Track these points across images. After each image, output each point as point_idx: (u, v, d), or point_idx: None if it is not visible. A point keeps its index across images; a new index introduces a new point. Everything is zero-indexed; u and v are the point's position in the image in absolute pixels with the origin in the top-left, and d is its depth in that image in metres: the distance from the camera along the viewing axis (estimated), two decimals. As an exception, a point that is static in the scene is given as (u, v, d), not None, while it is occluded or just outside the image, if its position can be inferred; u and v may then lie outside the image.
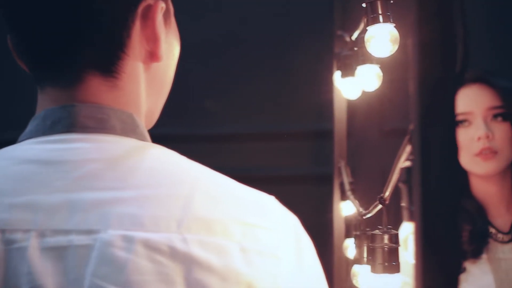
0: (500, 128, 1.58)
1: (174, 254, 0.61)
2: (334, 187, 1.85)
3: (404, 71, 0.59)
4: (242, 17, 2.38)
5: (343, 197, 1.70)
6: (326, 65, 1.91)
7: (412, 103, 0.57)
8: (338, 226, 1.77)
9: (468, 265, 1.57)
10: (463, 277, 1.57)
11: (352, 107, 2.00)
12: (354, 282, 1.19)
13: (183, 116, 2.41)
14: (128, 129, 0.70)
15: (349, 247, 1.49)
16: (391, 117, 2.35)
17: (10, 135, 0.96)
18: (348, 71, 1.44)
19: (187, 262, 0.61)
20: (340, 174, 1.80)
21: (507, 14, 2.31)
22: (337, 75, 1.59)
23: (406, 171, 0.73)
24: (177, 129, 2.41)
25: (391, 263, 0.90)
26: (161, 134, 2.44)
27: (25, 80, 1.00)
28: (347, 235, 1.58)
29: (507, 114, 1.58)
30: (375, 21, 0.99)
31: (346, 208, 1.66)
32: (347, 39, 1.58)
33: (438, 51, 0.55)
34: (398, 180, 0.79)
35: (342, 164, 1.81)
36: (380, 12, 0.98)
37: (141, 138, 0.71)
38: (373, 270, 0.92)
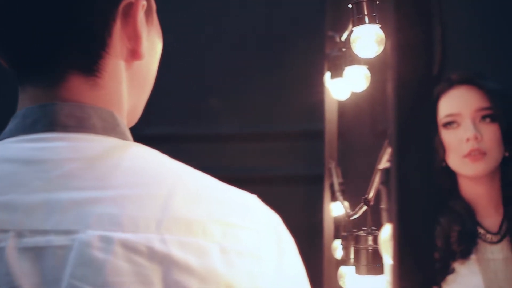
0: (488, 130, 1.58)
1: (153, 254, 0.60)
2: (324, 187, 1.84)
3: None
4: (234, 18, 2.38)
5: (333, 198, 1.70)
6: (317, 66, 1.91)
7: (390, 104, 0.56)
8: (328, 227, 1.77)
9: (457, 265, 1.58)
10: (452, 278, 1.57)
11: (344, 108, 2.00)
12: (341, 283, 1.19)
13: (175, 117, 2.40)
14: (109, 128, 0.69)
15: (338, 248, 1.49)
16: (383, 118, 2.36)
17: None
18: (337, 71, 1.44)
19: (166, 263, 0.60)
20: (330, 175, 1.79)
21: (497, 17, 2.31)
22: (327, 76, 1.59)
23: (386, 172, 0.73)
24: (168, 129, 2.41)
25: (375, 264, 0.90)
26: (152, 134, 2.45)
27: (6, 79, 1.00)
28: (336, 236, 1.58)
29: (495, 115, 1.58)
30: (361, 22, 0.99)
31: (335, 209, 1.66)
32: (338, 39, 1.59)
33: (416, 53, 0.55)
34: (379, 182, 0.79)
35: (332, 164, 1.81)
36: (366, 13, 0.98)
37: (122, 137, 0.70)
38: (357, 271, 0.92)
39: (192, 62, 2.38)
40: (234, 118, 2.38)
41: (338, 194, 1.54)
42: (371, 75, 1.22)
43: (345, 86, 1.40)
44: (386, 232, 0.73)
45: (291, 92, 2.32)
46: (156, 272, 0.60)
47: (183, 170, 0.68)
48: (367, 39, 0.98)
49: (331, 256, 1.64)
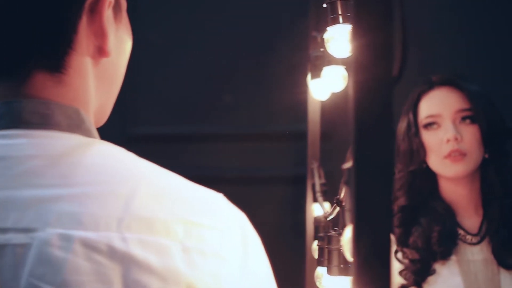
0: (468, 131, 1.59)
1: (113, 253, 0.60)
2: (307, 188, 1.84)
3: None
4: (220, 19, 2.38)
5: (315, 198, 1.69)
6: (301, 66, 1.91)
7: (350, 105, 0.56)
8: (310, 227, 1.77)
9: (437, 266, 1.58)
10: (432, 279, 1.57)
11: (329, 108, 1.99)
12: (318, 284, 1.19)
13: (162, 116, 2.40)
14: (74, 125, 0.69)
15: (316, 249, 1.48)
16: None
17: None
18: (316, 72, 1.44)
19: (126, 262, 0.60)
20: (312, 176, 1.79)
21: (479, 19, 2.32)
22: (309, 76, 1.59)
23: (348, 172, 0.73)
24: (156, 128, 2.40)
25: (346, 265, 0.90)
26: (137, 134, 2.43)
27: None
28: (315, 236, 1.58)
29: (475, 116, 1.59)
30: (335, 21, 0.98)
31: (317, 210, 1.66)
32: (319, 40, 1.58)
33: (376, 54, 0.55)
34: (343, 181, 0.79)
35: (315, 165, 1.81)
36: (339, 12, 0.98)
37: (87, 134, 0.70)
38: (329, 272, 0.92)
39: (179, 62, 2.38)
40: (217, 118, 2.37)
41: (318, 194, 1.54)
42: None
43: (324, 86, 1.40)
44: (348, 232, 0.73)
45: (275, 93, 2.32)
46: (116, 271, 0.60)
47: (147, 168, 0.68)
48: (341, 38, 0.97)
49: (312, 257, 1.64)
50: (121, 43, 0.75)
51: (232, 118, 2.36)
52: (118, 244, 0.60)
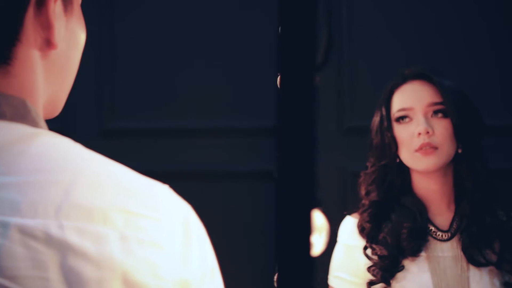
0: (440, 124, 1.57)
1: (49, 240, 0.61)
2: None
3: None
4: (196, 12, 2.36)
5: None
6: (273, 61, 1.88)
7: (276, 95, 0.54)
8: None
9: (406, 262, 1.56)
10: (401, 275, 1.56)
11: (307, 103, 1.96)
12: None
13: (137, 111, 2.38)
14: (19, 115, 0.69)
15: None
16: (350, 114, 2.34)
17: None
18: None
19: (62, 248, 0.61)
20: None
21: (452, 14, 2.31)
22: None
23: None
24: (132, 123, 2.38)
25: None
26: (114, 128, 2.40)
27: None
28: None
29: (447, 110, 1.57)
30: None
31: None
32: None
33: (299, 43, 0.52)
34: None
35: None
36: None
37: (33, 124, 0.70)
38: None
39: (156, 56, 2.36)
40: (187, 113, 2.35)
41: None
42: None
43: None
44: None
45: (245, 87, 2.30)
46: (52, 257, 0.61)
47: (91, 157, 0.69)
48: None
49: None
50: (72, 35, 0.76)
51: (201, 112, 2.34)
52: (55, 231, 0.61)
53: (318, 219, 0.88)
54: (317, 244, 0.88)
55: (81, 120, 2.35)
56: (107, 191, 0.65)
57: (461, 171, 1.59)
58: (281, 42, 0.53)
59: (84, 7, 0.79)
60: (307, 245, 0.50)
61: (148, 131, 2.37)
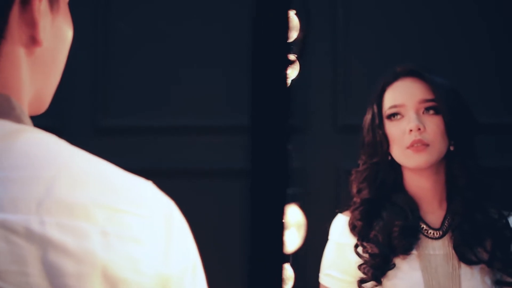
0: (432, 121, 1.56)
1: (30, 235, 0.61)
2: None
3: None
4: (189, 10, 2.35)
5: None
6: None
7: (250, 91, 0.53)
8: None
9: (397, 260, 1.55)
10: (392, 273, 1.55)
11: (302, 100, 1.97)
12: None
13: (132, 108, 2.37)
14: (4, 112, 0.69)
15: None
16: (345, 112, 2.33)
17: None
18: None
19: (43, 244, 0.61)
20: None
21: (449, 12, 2.31)
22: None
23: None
24: (127, 120, 2.37)
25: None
26: (107, 126, 2.39)
27: None
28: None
29: (439, 107, 1.56)
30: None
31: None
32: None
33: (273, 36, 0.52)
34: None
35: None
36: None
37: (17, 120, 0.70)
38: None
39: (149, 54, 2.35)
40: (183, 111, 2.34)
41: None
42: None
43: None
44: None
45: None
46: (33, 252, 0.61)
47: (74, 154, 0.68)
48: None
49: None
50: (58, 33, 0.76)
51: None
52: (35, 226, 0.61)
53: (295, 215, 0.88)
54: (293, 240, 0.87)
55: (76, 118, 2.34)
56: (89, 187, 0.65)
57: (453, 168, 1.58)
58: (254, 37, 0.52)
59: (79, 5, 0.79)
60: (280, 241, 0.49)
61: (142, 129, 2.36)
